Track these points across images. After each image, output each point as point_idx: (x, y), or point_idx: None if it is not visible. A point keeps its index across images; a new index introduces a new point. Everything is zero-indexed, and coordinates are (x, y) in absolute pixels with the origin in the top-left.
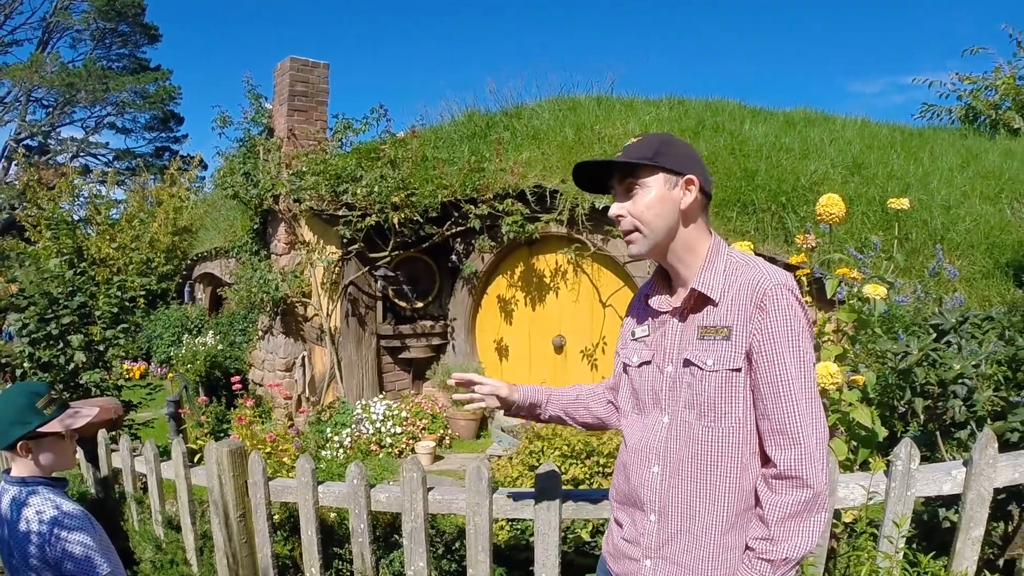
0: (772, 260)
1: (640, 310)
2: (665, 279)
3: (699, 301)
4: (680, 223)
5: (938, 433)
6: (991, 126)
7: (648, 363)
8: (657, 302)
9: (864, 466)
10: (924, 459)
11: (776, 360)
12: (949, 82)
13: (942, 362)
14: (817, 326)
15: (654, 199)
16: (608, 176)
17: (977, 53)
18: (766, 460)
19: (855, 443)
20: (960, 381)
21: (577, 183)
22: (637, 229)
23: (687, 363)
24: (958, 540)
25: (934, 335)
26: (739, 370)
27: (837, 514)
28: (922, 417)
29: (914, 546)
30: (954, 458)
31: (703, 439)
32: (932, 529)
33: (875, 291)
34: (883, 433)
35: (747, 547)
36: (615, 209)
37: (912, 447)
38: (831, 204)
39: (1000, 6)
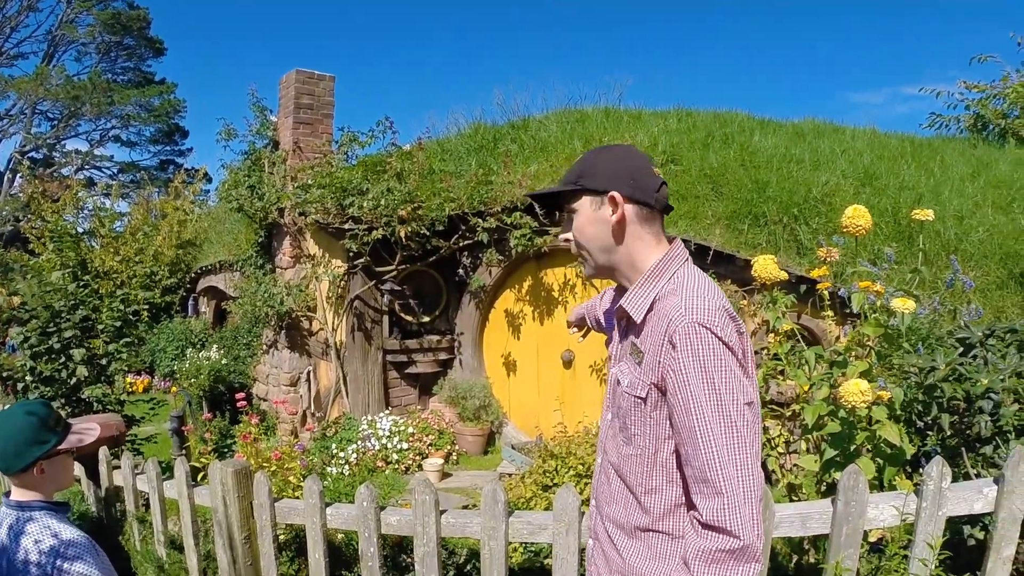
0: (789, 274)
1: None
2: None
3: (630, 318)
4: (616, 241)
5: (963, 449)
6: (1000, 135)
7: (612, 359)
8: (613, 301)
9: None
10: None
11: (691, 404)
12: (957, 92)
13: (968, 376)
14: (846, 340)
15: (584, 222)
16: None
17: (985, 61)
18: (692, 504)
19: (880, 460)
20: (987, 396)
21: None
22: (580, 253)
23: (616, 378)
24: (989, 559)
25: (960, 349)
26: (644, 399)
27: (864, 535)
28: (947, 432)
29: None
30: (979, 474)
31: (621, 451)
32: (957, 547)
33: (904, 305)
34: (911, 451)
35: None
36: (562, 235)
37: (944, 465)
38: (857, 216)
39: (1006, 15)
